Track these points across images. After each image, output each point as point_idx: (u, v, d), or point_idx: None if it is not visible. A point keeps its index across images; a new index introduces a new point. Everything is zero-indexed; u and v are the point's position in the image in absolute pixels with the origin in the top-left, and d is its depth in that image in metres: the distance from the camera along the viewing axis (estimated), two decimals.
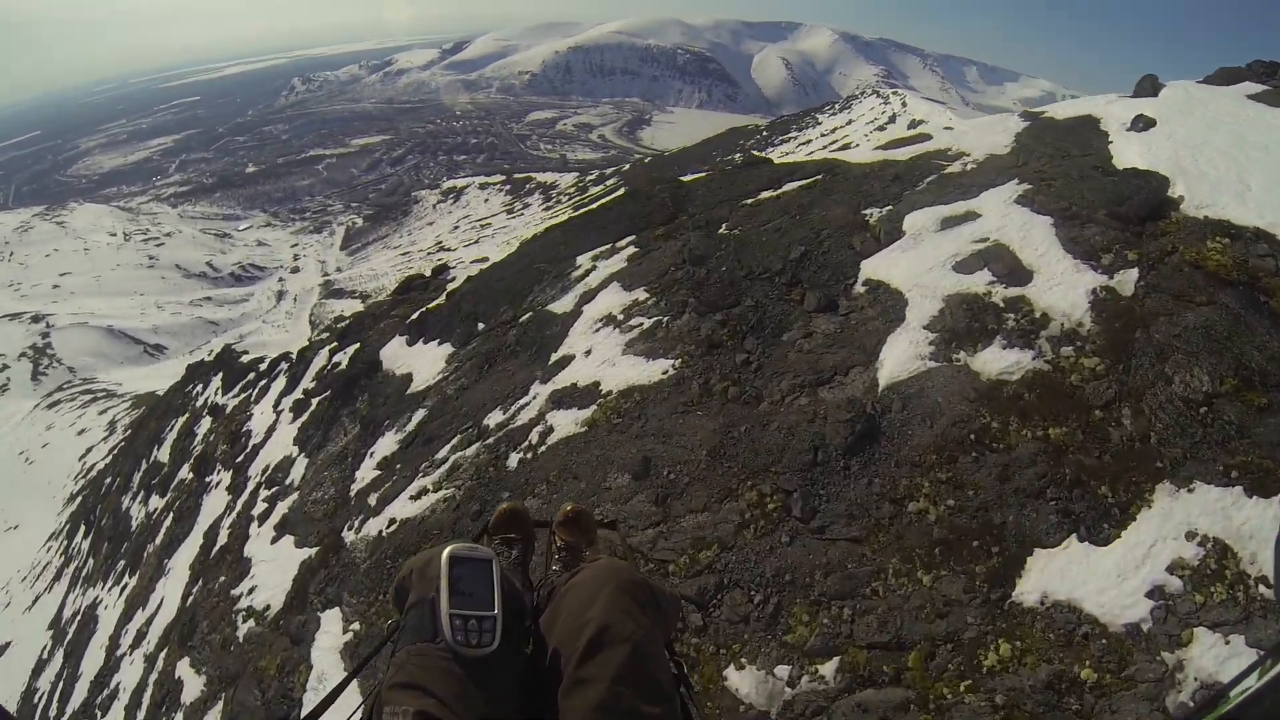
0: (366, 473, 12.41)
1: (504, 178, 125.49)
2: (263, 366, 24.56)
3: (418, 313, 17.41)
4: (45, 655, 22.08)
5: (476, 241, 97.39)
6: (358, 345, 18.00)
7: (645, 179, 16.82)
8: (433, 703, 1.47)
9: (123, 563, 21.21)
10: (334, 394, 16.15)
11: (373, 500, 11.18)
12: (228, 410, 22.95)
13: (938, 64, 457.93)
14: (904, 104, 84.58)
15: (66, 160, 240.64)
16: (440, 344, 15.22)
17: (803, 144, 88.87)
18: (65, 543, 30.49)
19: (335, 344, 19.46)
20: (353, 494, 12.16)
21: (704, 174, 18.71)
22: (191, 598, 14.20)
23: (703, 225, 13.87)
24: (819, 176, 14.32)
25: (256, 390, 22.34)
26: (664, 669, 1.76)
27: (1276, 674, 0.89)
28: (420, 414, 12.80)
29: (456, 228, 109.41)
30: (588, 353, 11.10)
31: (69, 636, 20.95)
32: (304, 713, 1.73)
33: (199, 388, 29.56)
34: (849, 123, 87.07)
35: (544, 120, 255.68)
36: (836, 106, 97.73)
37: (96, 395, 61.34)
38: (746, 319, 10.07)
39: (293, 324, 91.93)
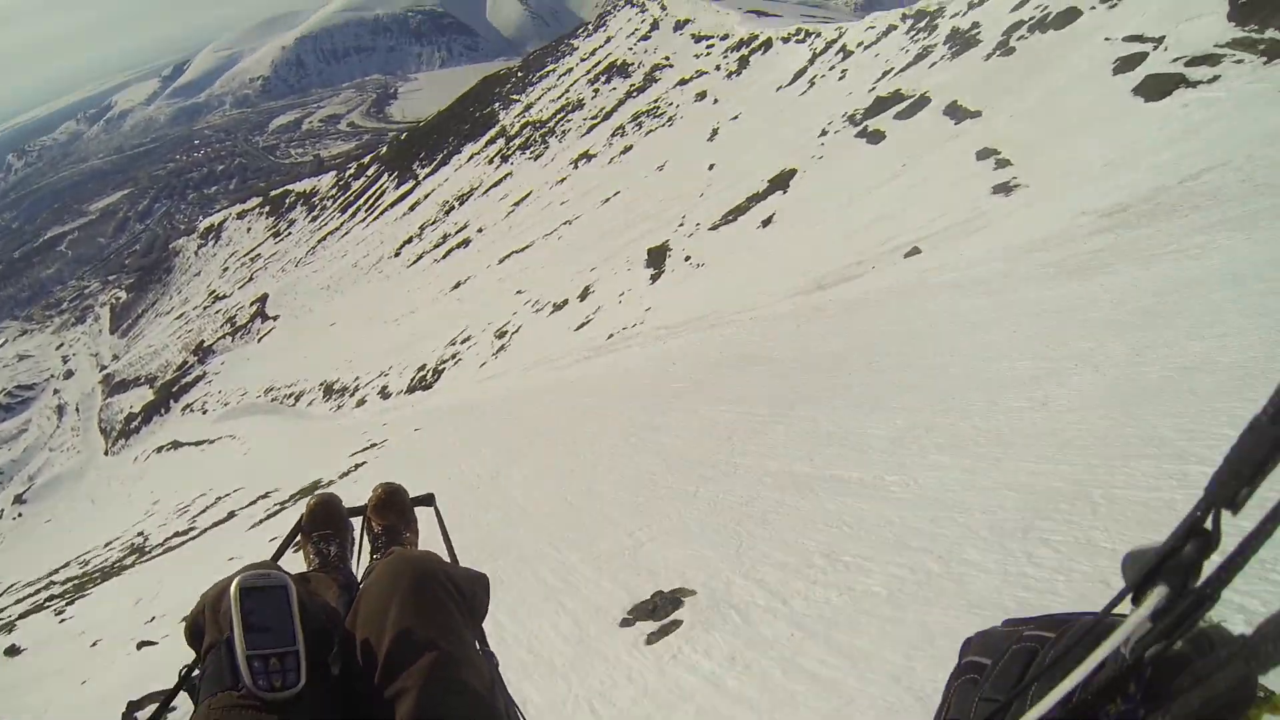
0: None
1: (260, 199, 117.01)
2: None
3: None
4: None
5: (251, 279, 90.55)
6: None
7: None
8: None
9: None
10: None
11: None
12: None
13: None
14: (663, 7, 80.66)
15: None
16: None
17: (564, 74, 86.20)
18: None
19: None
20: None
21: None
22: None
23: None
24: None
25: None
26: (475, 667, 1.67)
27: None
28: None
29: (226, 269, 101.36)
30: None
31: None
32: None
33: None
34: (608, 40, 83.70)
35: (288, 124, 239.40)
36: (590, 28, 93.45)
37: None
38: None
39: (83, 441, 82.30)
